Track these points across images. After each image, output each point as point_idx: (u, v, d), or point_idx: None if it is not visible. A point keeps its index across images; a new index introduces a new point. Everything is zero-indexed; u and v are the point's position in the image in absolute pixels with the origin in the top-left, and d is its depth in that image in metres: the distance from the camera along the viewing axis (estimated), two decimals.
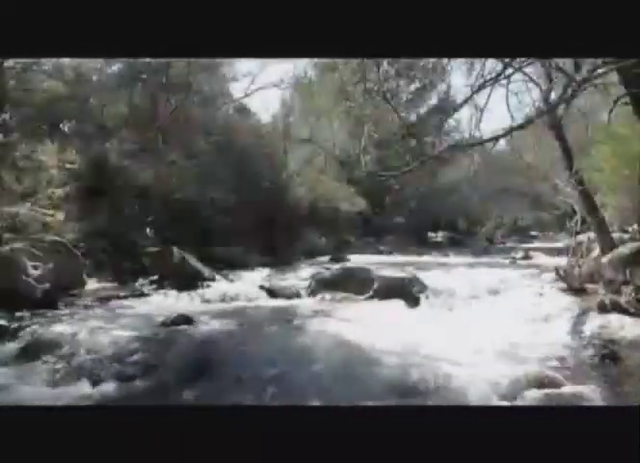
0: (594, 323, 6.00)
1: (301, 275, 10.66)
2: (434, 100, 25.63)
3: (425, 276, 9.26)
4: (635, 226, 11.47)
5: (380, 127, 7.19)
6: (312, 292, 8.82)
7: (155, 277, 9.67)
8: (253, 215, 15.14)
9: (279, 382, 4.42)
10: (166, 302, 8.02)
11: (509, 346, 5.42)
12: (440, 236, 23.35)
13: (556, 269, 7.99)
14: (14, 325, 5.96)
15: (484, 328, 6.16)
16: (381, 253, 18.60)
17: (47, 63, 11.08)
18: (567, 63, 6.04)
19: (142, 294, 8.56)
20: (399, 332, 5.87)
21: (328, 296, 8.57)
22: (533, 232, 29.78)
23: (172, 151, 11.67)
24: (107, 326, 6.04)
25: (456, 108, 8.55)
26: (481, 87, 5.72)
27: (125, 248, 10.78)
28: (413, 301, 8.01)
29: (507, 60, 5.39)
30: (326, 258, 15.53)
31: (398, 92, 24.36)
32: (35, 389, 4.36)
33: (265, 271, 11.71)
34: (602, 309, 6.27)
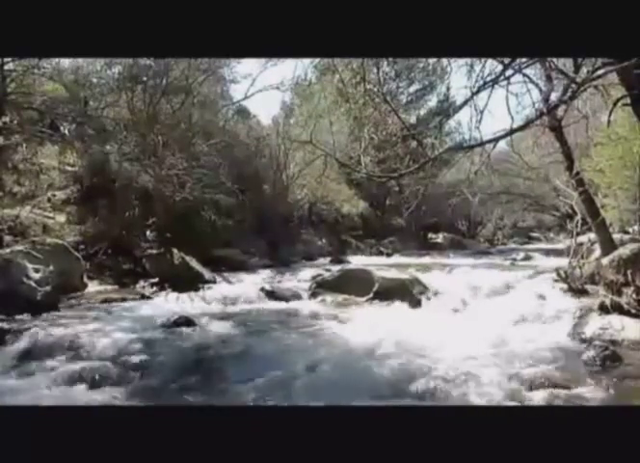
0: (595, 324, 5.99)
1: (301, 277, 10.66)
2: (433, 102, 25.75)
3: (426, 277, 9.25)
4: (636, 227, 11.49)
5: (380, 129, 7.18)
6: (313, 294, 8.82)
7: (156, 279, 9.67)
8: (254, 217, 15.17)
9: (279, 384, 4.41)
10: (166, 304, 8.01)
11: (510, 347, 5.41)
12: (440, 238, 23.37)
13: (557, 270, 7.98)
14: (15, 328, 5.95)
15: (485, 329, 6.15)
16: (381, 254, 18.62)
17: (47, 65, 11.08)
18: (567, 64, 6.04)
19: (142, 296, 8.56)
20: (400, 333, 5.85)
21: (329, 298, 8.57)
22: (534, 234, 29.83)
23: (172, 154, 11.67)
24: (108, 328, 6.04)
25: (456, 109, 8.55)
26: (481, 88, 5.72)
27: (126, 250, 10.78)
28: (414, 302, 8.01)
29: (507, 61, 5.39)
30: (326, 259, 15.54)
31: (398, 93, 24.49)
32: (35, 391, 4.35)
33: (266, 273, 11.71)
34: (603, 310, 6.27)
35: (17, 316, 6.47)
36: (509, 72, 5.64)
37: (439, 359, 4.89)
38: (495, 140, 6.33)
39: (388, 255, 18.56)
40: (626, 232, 11.63)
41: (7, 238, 9.13)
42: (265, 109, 34.83)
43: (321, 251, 17.33)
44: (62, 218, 11.22)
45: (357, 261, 14.48)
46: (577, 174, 8.79)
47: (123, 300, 8.09)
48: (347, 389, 4.29)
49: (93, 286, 9.12)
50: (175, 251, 10.07)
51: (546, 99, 6.65)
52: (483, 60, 5.78)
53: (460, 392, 4.19)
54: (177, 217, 11.58)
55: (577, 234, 8.57)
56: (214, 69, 14.65)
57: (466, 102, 6.09)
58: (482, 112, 5.83)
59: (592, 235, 9.01)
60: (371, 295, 8.38)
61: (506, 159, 15.95)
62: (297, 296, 8.84)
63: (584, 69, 5.34)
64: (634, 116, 6.34)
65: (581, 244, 8.61)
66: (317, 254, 16.75)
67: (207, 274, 10.19)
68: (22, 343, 5.44)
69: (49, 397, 4.17)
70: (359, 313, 7.42)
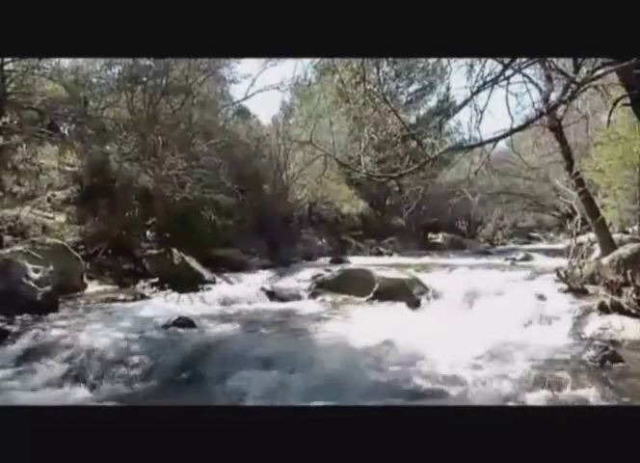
0: (595, 324, 6.00)
1: (301, 277, 10.65)
2: (433, 102, 25.76)
3: (426, 278, 9.25)
4: (636, 227, 11.49)
5: (380, 129, 7.17)
6: (313, 294, 8.82)
7: (156, 279, 9.66)
8: (254, 217, 15.16)
9: (279, 384, 4.41)
10: (166, 304, 8.00)
11: (510, 348, 5.40)
12: (440, 238, 23.37)
13: (557, 270, 7.98)
14: (15, 328, 5.94)
15: (485, 330, 6.15)
16: (381, 254, 18.61)
17: (47, 65, 11.07)
18: (567, 64, 6.04)
19: (142, 297, 8.54)
20: (400, 334, 5.85)
21: (328, 298, 8.57)
22: (534, 234, 29.84)
23: (172, 154, 11.66)
24: (107, 329, 6.03)
25: (456, 109, 8.54)
26: (481, 88, 5.72)
27: (126, 250, 10.78)
28: (413, 303, 8.01)
29: (506, 61, 5.39)
30: (326, 259, 15.53)
31: (398, 93, 24.49)
32: (35, 391, 4.36)
33: (265, 273, 11.70)
34: (603, 310, 6.27)
35: (17, 317, 6.46)
36: (509, 72, 5.64)
37: (438, 359, 4.89)
38: (495, 140, 6.33)
39: (389, 255, 18.55)
40: (626, 232, 11.64)
41: (7, 238, 9.12)
42: (265, 109, 34.81)
43: (321, 251, 17.31)
44: (62, 218, 11.21)
45: (356, 261, 14.47)
46: (577, 174, 8.80)
47: (123, 300, 8.08)
48: (346, 389, 4.29)
49: (93, 287, 9.10)
50: (175, 251, 10.06)
51: (545, 99, 6.65)
52: (483, 60, 5.78)
53: (459, 392, 4.19)
54: (177, 217, 11.57)
55: (577, 234, 8.57)
56: (214, 69, 14.63)
57: (466, 102, 6.09)
58: (482, 112, 5.82)
59: (592, 235, 9.02)
60: (371, 295, 8.39)
61: (506, 159, 15.96)
62: (297, 296, 8.84)
63: (584, 69, 5.34)
64: (634, 116, 6.35)
65: (581, 244, 8.61)
66: (317, 254, 16.73)
67: (207, 274, 10.18)
68: (22, 344, 5.45)
69: (49, 397, 4.18)
70: (358, 313, 7.42)
